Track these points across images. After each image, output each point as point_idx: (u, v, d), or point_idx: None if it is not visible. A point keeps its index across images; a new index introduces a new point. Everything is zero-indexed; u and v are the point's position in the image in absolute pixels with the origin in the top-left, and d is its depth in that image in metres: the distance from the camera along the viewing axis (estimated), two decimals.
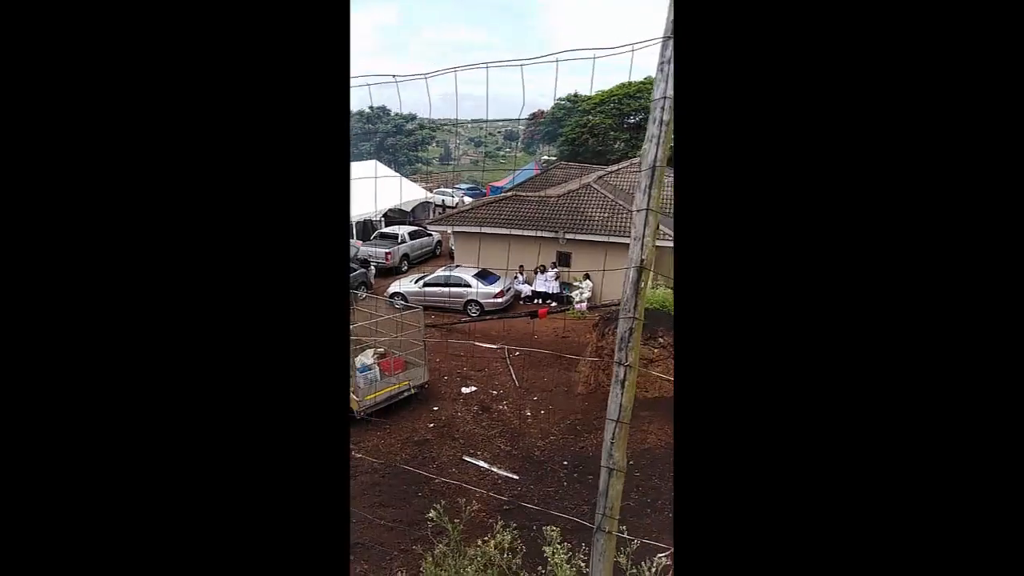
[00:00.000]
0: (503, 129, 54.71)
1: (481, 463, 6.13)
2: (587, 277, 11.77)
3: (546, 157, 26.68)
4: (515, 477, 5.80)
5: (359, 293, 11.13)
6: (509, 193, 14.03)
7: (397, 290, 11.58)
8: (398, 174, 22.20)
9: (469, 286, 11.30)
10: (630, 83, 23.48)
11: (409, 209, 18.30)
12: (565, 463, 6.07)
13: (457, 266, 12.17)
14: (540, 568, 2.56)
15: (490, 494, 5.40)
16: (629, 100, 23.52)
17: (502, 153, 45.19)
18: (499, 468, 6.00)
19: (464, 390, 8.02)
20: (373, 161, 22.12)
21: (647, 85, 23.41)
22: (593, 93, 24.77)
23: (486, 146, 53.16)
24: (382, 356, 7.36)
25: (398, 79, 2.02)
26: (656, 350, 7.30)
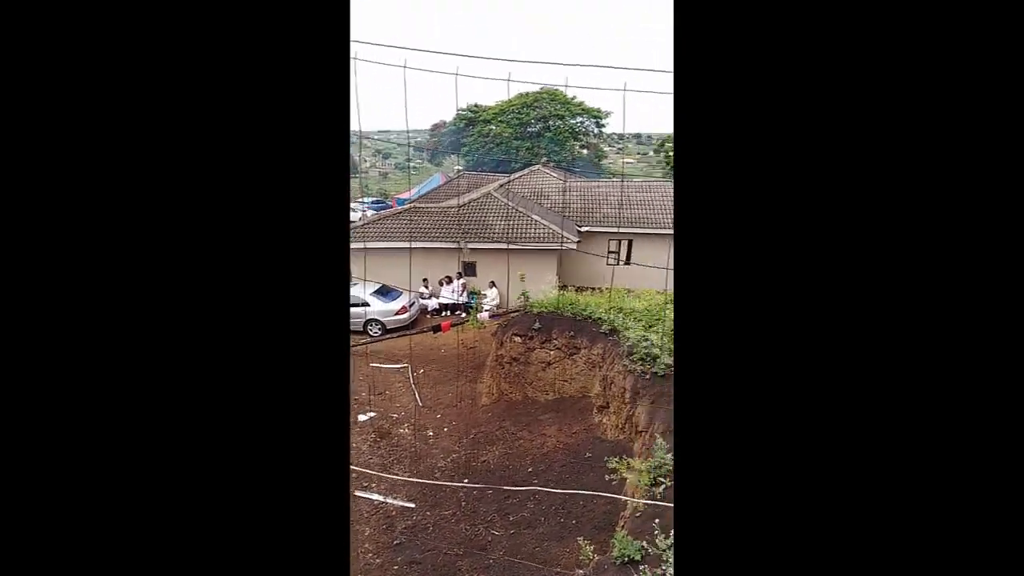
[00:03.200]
0: (412, 140, 53.81)
1: (374, 496, 5.70)
2: (493, 285, 11.73)
3: (458, 167, 26.62)
4: (411, 506, 5.46)
5: None
6: (409, 205, 13.64)
7: None
8: None
9: (367, 304, 10.71)
10: (527, 93, 24.22)
11: None
12: (466, 480, 5.85)
13: (354, 284, 11.51)
14: None
15: (369, 536, 5.01)
16: (527, 109, 24.23)
17: (412, 164, 44.27)
18: (394, 498, 5.62)
19: (361, 418, 7.49)
20: None
21: (543, 95, 24.29)
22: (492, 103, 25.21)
23: (395, 158, 51.89)
24: None
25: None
26: (552, 352, 7.38)
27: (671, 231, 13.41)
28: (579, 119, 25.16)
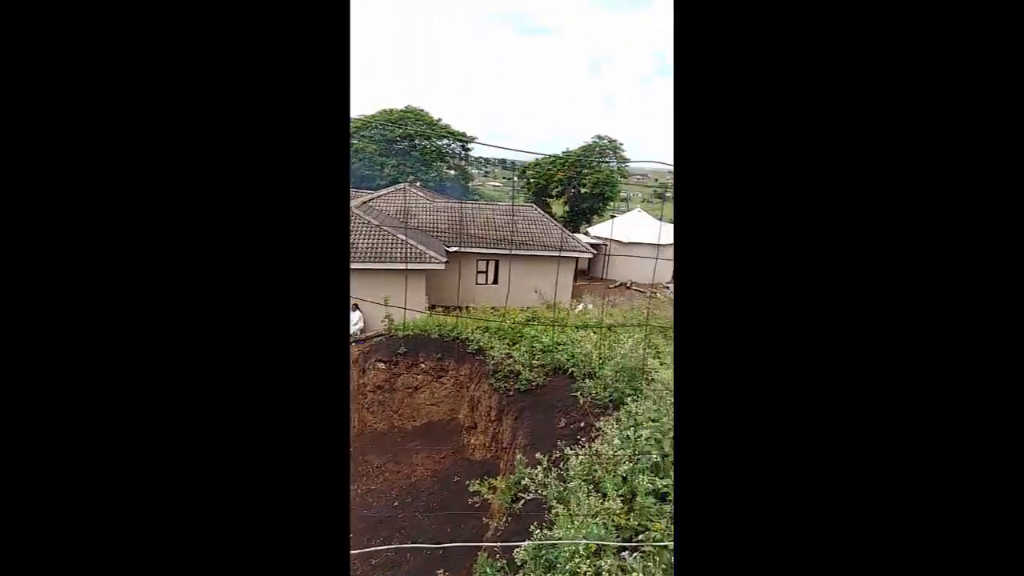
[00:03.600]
0: None
1: None
2: (355, 308, 11.03)
3: None
4: None
5: None
6: None
7: None
8: None
9: None
10: (390, 110, 23.81)
11: None
12: None
13: None
14: None
15: None
16: (392, 126, 23.79)
17: None
18: None
19: None
20: None
21: (408, 113, 24.14)
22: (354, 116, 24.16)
23: None
24: None
25: None
26: (419, 376, 7.19)
27: (535, 252, 14.34)
28: (445, 141, 25.58)
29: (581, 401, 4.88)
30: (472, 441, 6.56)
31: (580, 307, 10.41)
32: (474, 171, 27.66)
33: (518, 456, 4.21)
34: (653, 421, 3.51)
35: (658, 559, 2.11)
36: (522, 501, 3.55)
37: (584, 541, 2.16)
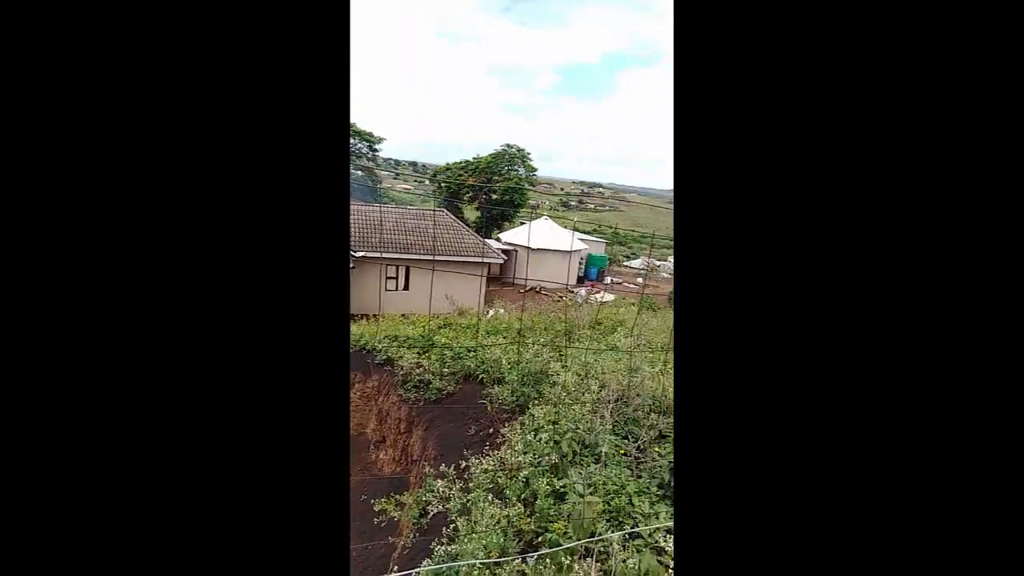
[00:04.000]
0: None
1: None
2: None
3: None
4: None
5: None
6: None
7: None
8: None
9: None
10: None
11: None
12: None
13: None
14: None
15: None
16: None
17: None
18: None
19: None
20: None
21: None
22: None
23: None
24: None
25: None
26: None
27: (448, 257, 14.23)
28: (351, 140, 24.38)
29: (489, 408, 4.97)
30: (381, 456, 6.33)
31: (492, 312, 10.58)
32: (383, 173, 26.69)
33: (427, 468, 4.17)
34: (553, 424, 3.70)
35: (549, 560, 2.24)
36: (429, 515, 3.53)
37: (477, 561, 2.22)
